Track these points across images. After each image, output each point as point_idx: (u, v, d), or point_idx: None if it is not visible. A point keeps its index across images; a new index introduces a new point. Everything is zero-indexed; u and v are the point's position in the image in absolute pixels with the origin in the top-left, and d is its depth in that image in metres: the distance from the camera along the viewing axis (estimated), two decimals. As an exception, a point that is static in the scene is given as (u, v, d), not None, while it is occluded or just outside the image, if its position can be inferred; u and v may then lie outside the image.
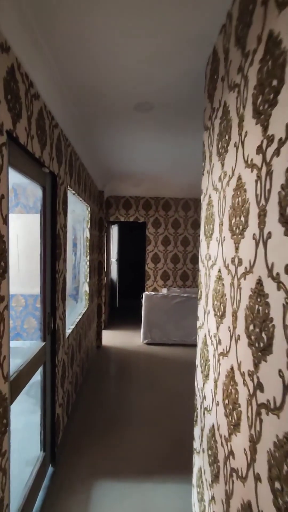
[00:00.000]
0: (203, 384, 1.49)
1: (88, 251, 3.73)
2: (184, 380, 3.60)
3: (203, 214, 1.56)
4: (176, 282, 5.93)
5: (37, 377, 1.89)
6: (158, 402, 3.10)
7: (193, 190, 5.21)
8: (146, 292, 5.23)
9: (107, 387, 3.42)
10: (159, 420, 2.77)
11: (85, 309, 3.57)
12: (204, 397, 1.47)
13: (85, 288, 3.72)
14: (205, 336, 1.49)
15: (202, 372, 1.54)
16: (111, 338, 5.18)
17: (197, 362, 1.65)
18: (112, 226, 7.10)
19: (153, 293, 5.21)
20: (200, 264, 1.60)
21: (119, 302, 7.28)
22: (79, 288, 3.30)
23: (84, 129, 2.58)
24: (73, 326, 2.84)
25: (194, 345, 4.86)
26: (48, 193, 1.99)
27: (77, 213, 3.25)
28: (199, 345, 1.61)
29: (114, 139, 2.87)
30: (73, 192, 2.75)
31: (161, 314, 5.04)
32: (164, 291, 5.71)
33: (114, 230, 7.01)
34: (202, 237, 1.58)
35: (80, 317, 3.20)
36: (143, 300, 5.16)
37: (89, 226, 3.73)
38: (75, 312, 3.17)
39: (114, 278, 7.08)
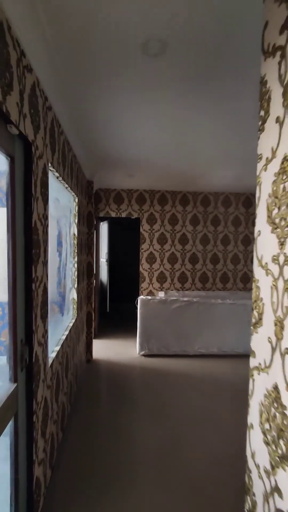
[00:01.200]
0: (275, 465, 0.91)
1: (76, 251, 3.11)
2: (193, 401, 3.05)
3: (265, 189, 0.99)
4: (174, 284, 5.38)
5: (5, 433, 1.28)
6: (165, 435, 2.53)
7: (192, 182, 4.66)
8: (142, 297, 4.65)
9: (101, 416, 2.82)
10: (171, 465, 2.19)
11: (73, 320, 2.95)
12: (278, 491, 0.89)
13: (73, 295, 3.10)
14: (275, 388, 0.92)
15: (268, 443, 0.96)
16: (102, 349, 4.57)
17: (252, 421, 1.08)
18: (102, 223, 6.47)
19: (149, 297, 4.63)
20: (259, 271, 1.03)
21: (110, 307, 6.66)
22: (65, 296, 2.68)
23: (70, 89, 1.97)
24: (58, 347, 2.23)
25: (196, 356, 4.31)
26: (18, 167, 1.37)
27: (63, 204, 2.63)
28: (258, 397, 1.04)
29: (110, 108, 2.27)
30: (57, 174, 2.13)
31: (158, 322, 4.47)
32: (161, 294, 5.14)
33: (104, 227, 6.39)
34: (262, 227, 1.01)
35: (67, 332, 2.59)
36: (138, 306, 4.58)
37: (76, 221, 3.10)
38: (61, 327, 2.55)
39: (104, 280, 6.45)
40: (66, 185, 2.55)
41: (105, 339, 5.03)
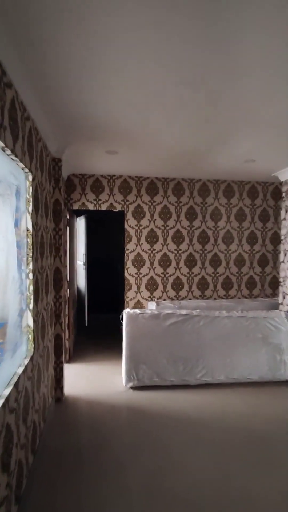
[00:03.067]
0: None
1: (32, 254, 2.12)
2: (207, 470, 2.13)
3: None
4: (167, 292, 4.46)
5: None
6: None
7: (191, 164, 3.75)
8: (128, 310, 3.70)
9: (63, 504, 1.84)
10: None
11: (27, 360, 1.97)
12: None
13: (27, 321, 2.11)
14: None
15: None
16: (78, 379, 3.59)
17: None
18: (78, 219, 5.46)
19: (137, 311, 3.70)
20: None
21: (89, 320, 5.66)
22: (6, 329, 1.69)
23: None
24: (8, 390, 1.26)
25: (199, 387, 3.40)
26: None
27: None
28: None
29: (87, 52, 1.32)
30: None
31: (150, 342, 3.55)
32: (152, 306, 4.21)
33: (81, 224, 5.39)
34: None
35: (21, 372, 1.62)
36: (123, 322, 3.63)
37: (31, 209, 2.11)
38: (4, 372, 1.56)
39: (81, 288, 5.46)
40: (8, 150, 1.57)
41: (82, 364, 4.05)
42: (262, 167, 3.75)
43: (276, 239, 4.66)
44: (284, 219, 4.00)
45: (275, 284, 4.69)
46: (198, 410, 2.95)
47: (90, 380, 3.58)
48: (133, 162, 3.66)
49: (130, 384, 3.37)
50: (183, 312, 3.77)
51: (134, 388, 3.38)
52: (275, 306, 4.22)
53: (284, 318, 3.81)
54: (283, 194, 4.02)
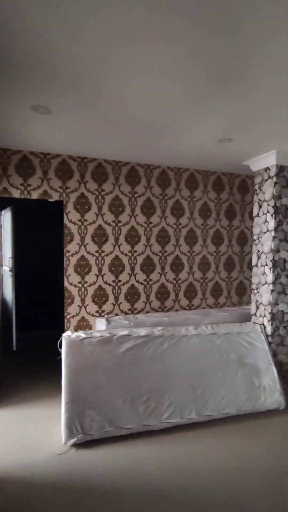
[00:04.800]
0: None
1: None
2: None
3: None
4: (120, 305, 3.62)
5: None
6: None
7: (153, 143, 2.98)
8: (69, 334, 2.80)
9: None
10: None
11: None
12: None
13: None
14: None
15: None
16: (-5, 439, 2.54)
17: None
18: (3, 212, 4.31)
19: (82, 334, 2.82)
20: None
21: (18, 341, 4.50)
22: None
23: None
24: None
25: (165, 432, 2.63)
26: None
27: None
28: None
29: None
30: None
31: (100, 378, 2.69)
32: (101, 324, 3.33)
33: (6, 218, 4.25)
34: None
35: None
36: (62, 351, 2.72)
37: None
38: None
39: (8, 300, 4.31)
40: None
41: (7, 407, 2.98)
42: (236, 150, 3.14)
43: (243, 239, 4.15)
44: (257, 215, 3.47)
45: (241, 290, 4.18)
46: (168, 471, 2.17)
47: (13, 436, 2.55)
48: (74, 134, 2.74)
49: (72, 441, 2.44)
50: (142, 332, 2.97)
51: (78, 445, 2.47)
52: (246, 317, 3.68)
53: (260, 333, 3.26)
54: (256, 187, 3.48)
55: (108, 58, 1.66)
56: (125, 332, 2.96)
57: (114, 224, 3.56)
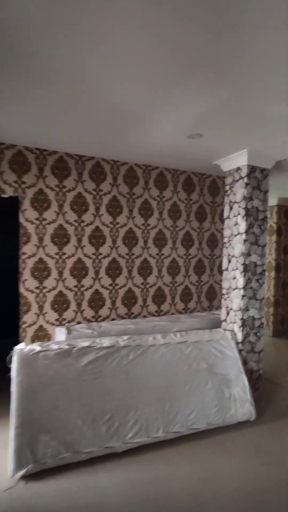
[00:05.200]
0: None
1: None
2: None
3: None
4: (83, 312, 3.33)
5: None
6: None
7: (115, 138, 2.75)
8: (21, 347, 2.48)
9: None
10: None
11: None
12: None
13: None
14: None
15: None
16: None
17: None
18: None
19: (36, 347, 2.52)
20: None
21: None
22: None
23: None
24: None
25: (130, 454, 2.40)
26: None
27: None
28: None
29: None
30: None
31: (57, 396, 2.40)
32: (61, 334, 3.02)
33: None
34: None
35: None
36: (12, 367, 2.40)
37: None
38: None
39: None
40: None
41: None
42: (207, 148, 2.98)
43: (213, 242, 4.03)
44: (228, 217, 3.35)
45: (212, 295, 4.05)
46: (133, 501, 1.93)
47: None
48: (31, 121, 2.43)
49: (22, 473, 2.12)
50: (106, 343, 2.71)
51: (29, 477, 2.15)
52: (216, 323, 3.54)
53: (230, 340, 3.13)
54: (227, 187, 3.36)
55: (64, 27, 1.39)
56: (86, 343, 2.68)
57: (76, 224, 3.27)
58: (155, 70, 1.72)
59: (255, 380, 3.24)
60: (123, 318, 3.54)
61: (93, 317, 3.39)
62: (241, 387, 2.92)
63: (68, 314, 3.27)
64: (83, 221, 3.29)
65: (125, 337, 2.87)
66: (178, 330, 3.32)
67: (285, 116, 2.24)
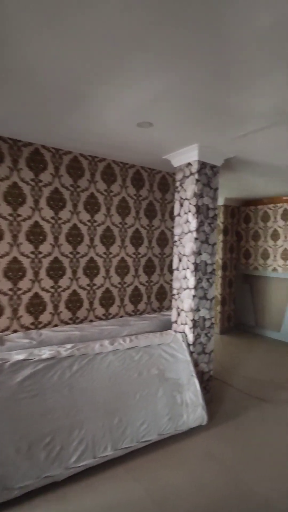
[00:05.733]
0: None
1: None
2: None
3: None
4: (20, 319, 2.94)
5: None
6: None
7: (55, 120, 2.43)
8: None
9: None
10: None
11: None
12: None
13: None
14: None
15: None
16: None
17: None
18: None
19: None
20: None
21: None
22: None
23: None
24: None
25: (74, 480, 2.12)
26: None
27: None
28: None
29: None
30: None
31: (-16, 421, 2.01)
32: (-8, 347, 2.59)
33: None
34: None
35: None
36: None
37: None
38: None
39: None
40: None
41: None
42: (157, 140, 2.81)
43: (163, 240, 3.90)
44: (179, 215, 3.23)
45: (162, 295, 3.92)
46: None
47: None
48: None
49: None
50: (46, 354, 2.39)
51: None
52: (167, 324, 3.41)
53: (182, 342, 3.01)
54: (177, 184, 3.24)
55: None
56: (22, 356, 2.32)
57: (11, 219, 2.85)
58: (96, 42, 1.47)
59: (206, 382, 3.18)
60: (67, 323, 3.21)
61: (32, 324, 3.00)
62: (192, 391, 2.81)
63: (2, 322, 2.84)
64: (19, 215, 2.89)
65: (69, 346, 2.57)
66: (128, 335, 3.11)
67: (238, 108, 2.16)
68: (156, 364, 2.79)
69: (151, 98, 2.03)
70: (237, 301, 6.14)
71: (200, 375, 3.11)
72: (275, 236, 5.54)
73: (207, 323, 3.18)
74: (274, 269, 5.52)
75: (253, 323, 5.94)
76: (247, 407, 3.17)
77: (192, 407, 2.74)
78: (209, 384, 3.21)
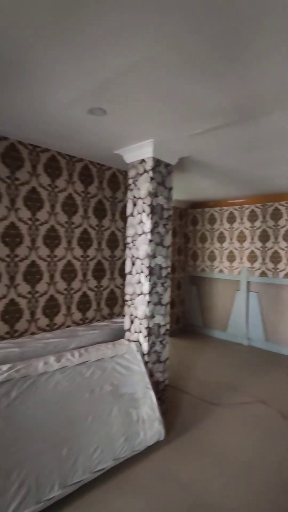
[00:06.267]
0: None
1: None
2: None
3: None
4: None
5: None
6: None
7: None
8: None
9: None
10: None
11: None
12: None
13: None
14: None
15: None
16: None
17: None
18: None
19: None
20: None
21: None
22: None
23: None
24: None
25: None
26: None
27: None
28: None
29: None
30: None
31: None
32: None
33: None
34: None
35: None
36: None
37: None
38: None
39: None
40: None
41: None
42: (110, 131, 2.55)
43: (114, 242, 3.63)
44: (132, 215, 3.00)
45: (113, 301, 3.66)
46: None
47: None
48: None
49: None
50: (-24, 382, 1.94)
51: None
52: (119, 333, 3.16)
53: (136, 353, 2.79)
54: (130, 181, 3.01)
55: None
56: None
57: None
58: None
59: (161, 392, 3.00)
60: (3, 338, 2.75)
61: None
62: (149, 405, 2.60)
63: None
64: None
65: (5, 368, 2.15)
66: (76, 347, 2.78)
67: (199, 102, 2.01)
68: (109, 379, 2.52)
69: (108, 78, 1.76)
70: (185, 303, 6.15)
71: (156, 385, 2.92)
72: (221, 238, 5.67)
73: (162, 330, 3.01)
74: (221, 271, 5.65)
75: (201, 324, 6.01)
76: (203, 414, 3.08)
77: (149, 422, 2.53)
78: (164, 394, 3.04)
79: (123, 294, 3.73)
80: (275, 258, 4.95)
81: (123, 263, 3.71)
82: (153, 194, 2.86)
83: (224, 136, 2.58)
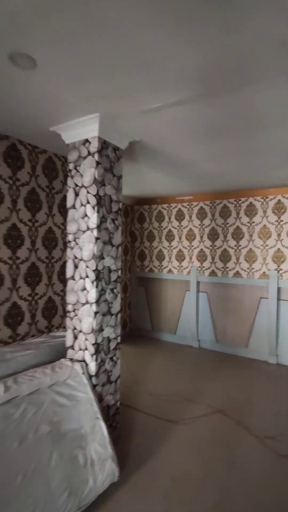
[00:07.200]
0: None
1: None
2: None
3: None
4: None
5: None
6: None
7: None
8: None
9: None
10: None
11: None
12: None
13: None
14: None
15: None
16: None
17: None
18: None
19: None
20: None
21: None
22: None
23: None
24: None
25: None
26: None
27: None
28: None
29: None
30: None
31: None
32: None
33: None
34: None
35: None
36: None
37: None
38: None
39: None
40: None
41: None
42: (42, 96, 1.98)
43: (51, 240, 3.04)
44: (73, 207, 2.46)
45: (51, 311, 3.06)
46: None
47: None
48: None
49: None
50: None
51: None
52: (60, 350, 2.59)
53: (82, 376, 2.27)
54: (71, 166, 2.47)
55: None
56: None
57: None
58: None
59: (113, 418, 2.53)
60: None
61: None
62: (98, 440, 2.11)
63: None
64: None
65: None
66: (1, 377, 2.14)
67: (162, 62, 1.59)
68: (47, 416, 1.96)
69: (32, 5, 1.22)
70: (133, 306, 5.75)
71: (106, 411, 2.44)
72: (170, 237, 5.39)
73: (113, 344, 2.54)
74: (170, 271, 5.37)
75: (149, 327, 5.66)
76: (160, 436, 2.69)
77: (99, 463, 2.04)
78: (115, 418, 2.58)
79: (64, 302, 3.15)
80: (225, 257, 4.83)
81: (64, 266, 3.14)
82: (100, 182, 2.36)
83: (183, 119, 2.22)
